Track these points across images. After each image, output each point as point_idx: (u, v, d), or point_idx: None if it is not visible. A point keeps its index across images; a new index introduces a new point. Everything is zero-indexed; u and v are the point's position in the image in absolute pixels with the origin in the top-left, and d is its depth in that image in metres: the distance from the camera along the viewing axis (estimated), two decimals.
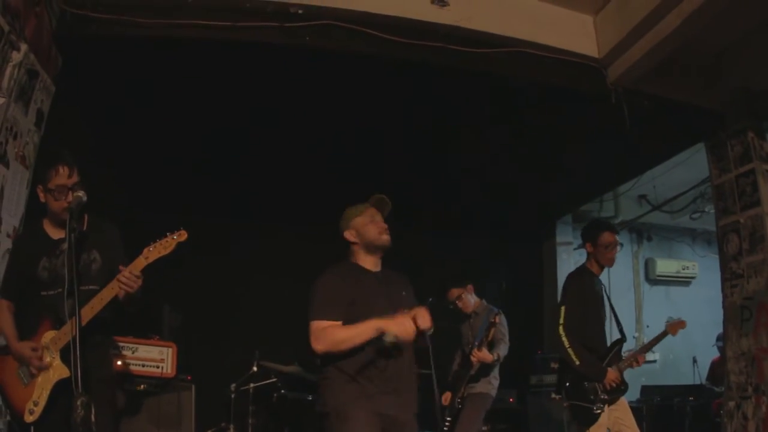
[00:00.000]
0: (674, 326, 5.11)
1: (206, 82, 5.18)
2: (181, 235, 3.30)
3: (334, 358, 3.41)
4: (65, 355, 3.22)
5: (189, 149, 6.43)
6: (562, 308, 4.95)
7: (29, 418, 3.29)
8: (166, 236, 3.31)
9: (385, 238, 3.66)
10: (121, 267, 3.29)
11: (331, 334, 3.35)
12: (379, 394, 3.39)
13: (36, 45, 3.89)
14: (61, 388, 3.25)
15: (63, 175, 3.39)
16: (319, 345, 3.35)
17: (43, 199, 3.39)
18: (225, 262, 7.64)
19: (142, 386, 5.52)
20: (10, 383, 3.40)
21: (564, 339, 4.85)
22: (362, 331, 3.29)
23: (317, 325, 3.39)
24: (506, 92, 5.44)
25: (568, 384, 4.95)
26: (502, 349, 5.92)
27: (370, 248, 3.67)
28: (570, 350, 4.81)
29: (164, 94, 5.33)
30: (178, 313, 7.12)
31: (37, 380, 3.34)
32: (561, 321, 4.88)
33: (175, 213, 6.86)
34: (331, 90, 5.35)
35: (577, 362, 4.81)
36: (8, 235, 3.81)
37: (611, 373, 4.85)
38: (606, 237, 5.00)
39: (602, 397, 4.86)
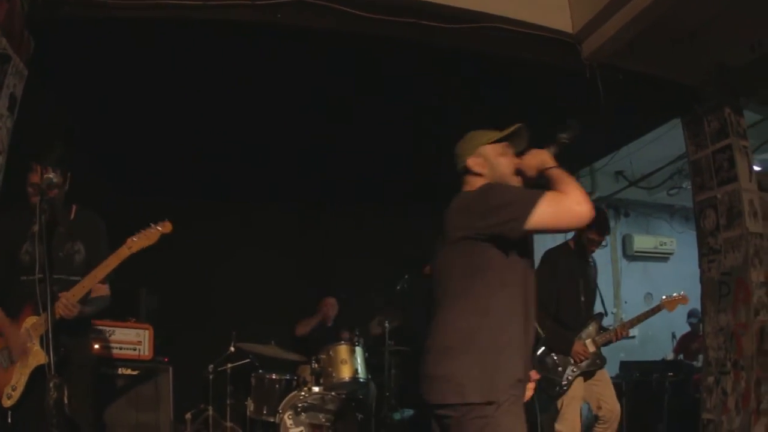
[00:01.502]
0: (673, 302, 5.16)
1: (180, 62, 5.11)
2: (165, 227, 3.41)
3: None
4: (41, 340, 3.28)
5: (164, 130, 6.36)
6: None
7: (7, 403, 3.34)
8: (150, 226, 3.35)
9: (518, 179, 2.88)
10: (61, 294, 3.33)
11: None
12: None
13: (7, 29, 3.81)
14: (39, 374, 3.26)
15: (36, 174, 3.49)
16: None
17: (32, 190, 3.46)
18: (200, 243, 7.58)
19: (123, 370, 5.56)
20: None
21: None
22: None
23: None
24: (479, 68, 5.36)
25: (535, 356, 5.01)
26: None
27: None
28: (535, 322, 4.86)
29: (139, 75, 5.25)
30: (154, 296, 7.08)
31: (16, 365, 3.38)
32: None
33: (149, 195, 6.82)
34: (303, 67, 5.27)
35: (542, 334, 4.88)
36: None
37: (578, 345, 4.94)
38: (591, 234, 5.11)
39: (572, 369, 4.91)
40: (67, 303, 3.31)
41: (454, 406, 2.53)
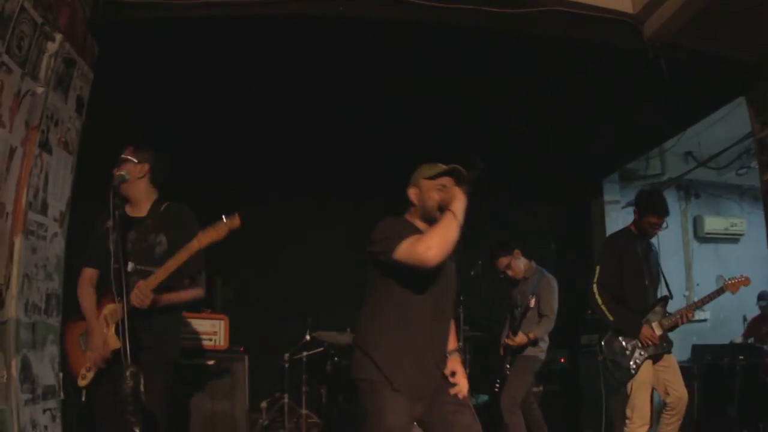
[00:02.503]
0: (735, 284, 5.07)
1: (241, 58, 5.25)
2: (234, 222, 3.44)
3: None
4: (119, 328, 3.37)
5: (230, 125, 6.55)
6: (597, 267, 5.10)
7: (81, 382, 3.56)
8: (219, 221, 3.44)
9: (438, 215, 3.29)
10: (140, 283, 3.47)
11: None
12: None
13: (71, 34, 4.00)
14: (111, 359, 3.43)
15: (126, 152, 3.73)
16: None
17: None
18: (274, 233, 7.72)
19: (199, 361, 5.66)
20: (71, 348, 3.69)
21: (597, 296, 4.97)
22: None
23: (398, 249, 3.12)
24: (544, 53, 5.38)
25: (602, 341, 5.01)
26: (544, 328, 5.99)
27: (424, 218, 3.39)
28: (603, 307, 4.92)
29: (201, 72, 5.43)
30: (230, 287, 7.27)
31: None
32: (595, 279, 5.01)
33: (223, 188, 6.98)
34: (363, 58, 5.38)
35: (611, 318, 4.92)
36: (55, 220, 3.95)
37: (646, 329, 4.92)
38: (651, 218, 5.08)
39: (640, 353, 4.90)
40: (139, 293, 3.41)
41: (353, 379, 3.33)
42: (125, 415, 2.82)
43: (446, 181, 3.36)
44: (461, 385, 3.37)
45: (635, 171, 9.51)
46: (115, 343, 3.38)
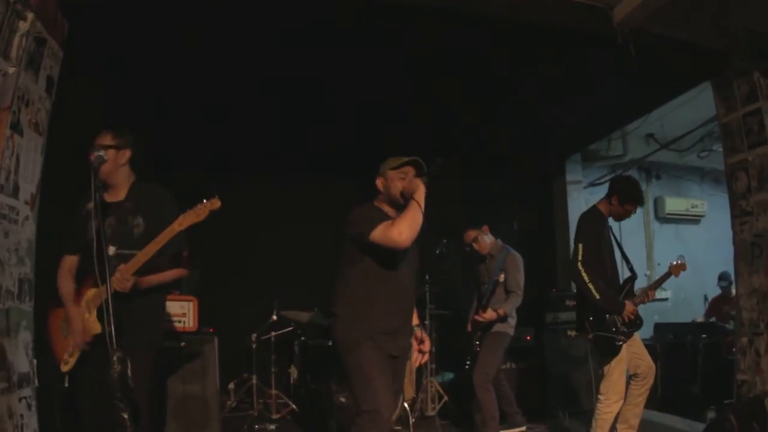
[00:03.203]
0: (676, 268, 5.40)
1: (215, 37, 5.20)
2: (214, 204, 3.48)
3: None
4: (101, 313, 3.40)
5: (199, 105, 6.49)
6: (580, 245, 5.17)
7: (64, 368, 3.62)
8: (199, 204, 3.45)
9: (401, 201, 3.88)
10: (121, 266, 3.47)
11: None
12: None
13: (42, 13, 3.89)
14: (92, 344, 3.48)
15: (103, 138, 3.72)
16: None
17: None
18: (240, 214, 7.67)
19: (169, 343, 5.52)
20: (54, 335, 3.74)
21: (584, 274, 5.07)
22: None
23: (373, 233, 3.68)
24: (511, 35, 5.41)
25: (591, 318, 5.14)
26: (511, 303, 6.09)
27: (390, 203, 3.99)
28: (590, 285, 5.02)
29: (171, 49, 5.35)
30: (196, 267, 7.21)
31: None
32: (580, 257, 5.10)
33: (187, 169, 6.92)
34: (333, 38, 5.39)
35: (598, 296, 5.02)
36: (26, 203, 3.85)
37: (629, 306, 5.08)
38: (630, 206, 5.31)
39: (622, 329, 5.03)
40: (120, 276, 3.42)
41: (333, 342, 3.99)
42: (112, 401, 2.79)
43: (408, 170, 3.93)
44: (425, 351, 4.17)
45: (597, 152, 9.66)
46: (95, 327, 3.39)
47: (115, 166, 3.76)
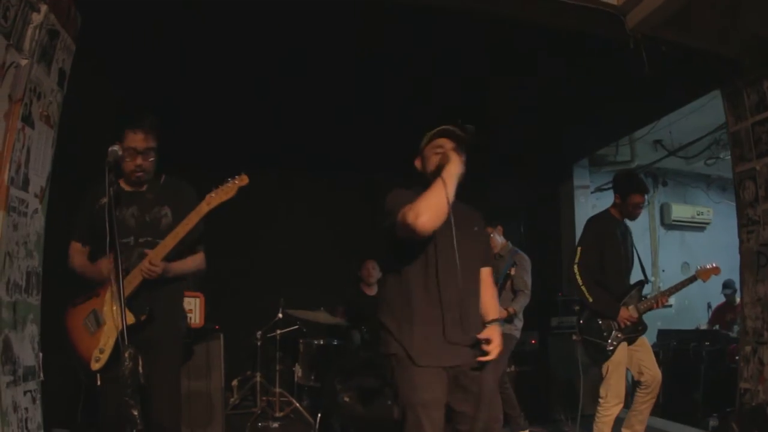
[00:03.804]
0: (706, 272, 5.21)
1: (229, 32, 5.20)
2: (243, 179, 3.58)
3: None
4: (130, 303, 3.34)
5: (209, 101, 6.47)
6: (579, 249, 5.21)
7: (95, 366, 3.48)
8: (227, 181, 3.53)
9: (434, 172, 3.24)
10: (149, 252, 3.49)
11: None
12: None
13: (55, 5, 3.90)
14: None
15: (135, 139, 3.60)
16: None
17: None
18: (247, 211, 7.68)
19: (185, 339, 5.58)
20: (77, 333, 3.59)
21: (578, 277, 5.07)
22: None
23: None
24: (524, 38, 5.43)
25: (581, 321, 5.14)
26: (520, 302, 6.07)
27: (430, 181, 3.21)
28: (583, 287, 5.03)
29: (184, 46, 5.37)
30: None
31: (103, 329, 3.52)
32: (576, 260, 5.12)
33: (194, 164, 6.92)
34: (335, 36, 5.38)
35: (590, 299, 5.04)
36: (35, 195, 3.86)
37: (624, 311, 5.05)
38: (636, 198, 5.22)
39: (617, 335, 5.01)
40: (149, 263, 3.43)
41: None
42: (123, 398, 2.79)
43: (443, 142, 3.35)
44: (491, 351, 3.27)
45: (605, 157, 9.66)
46: (128, 318, 3.28)
47: (151, 165, 3.75)
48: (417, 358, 3.15)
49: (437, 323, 3.20)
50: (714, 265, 5.27)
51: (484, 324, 3.40)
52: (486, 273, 3.63)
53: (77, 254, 3.76)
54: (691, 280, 5.24)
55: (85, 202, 3.73)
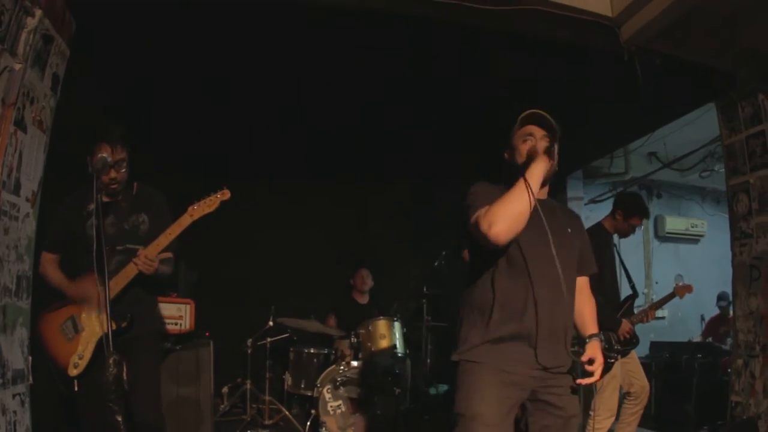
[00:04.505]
0: (682, 289, 5.38)
1: (222, 39, 5.19)
2: (225, 194, 3.63)
3: None
4: (111, 310, 3.25)
5: (200, 109, 6.45)
6: None
7: (73, 372, 3.52)
8: (210, 195, 3.54)
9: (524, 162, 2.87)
10: (140, 250, 3.55)
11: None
12: None
13: (50, 10, 3.90)
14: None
15: (105, 153, 3.53)
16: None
17: (90, 170, 3.45)
18: (238, 218, 7.68)
19: (165, 345, 5.52)
20: (53, 339, 3.63)
21: None
22: None
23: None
24: (518, 49, 5.43)
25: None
26: None
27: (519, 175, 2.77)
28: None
29: (176, 53, 5.34)
30: (194, 270, 7.20)
31: (81, 335, 3.58)
32: None
33: (187, 172, 6.93)
34: (330, 47, 5.41)
35: None
36: (27, 200, 3.85)
37: (626, 324, 5.06)
38: (637, 220, 5.33)
39: (616, 347, 5.02)
40: (145, 259, 3.49)
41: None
42: (107, 404, 2.78)
43: (533, 129, 2.98)
44: (594, 374, 2.92)
45: (599, 169, 9.66)
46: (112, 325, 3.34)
47: (124, 176, 3.80)
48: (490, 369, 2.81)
49: (528, 342, 2.82)
50: (687, 283, 5.49)
51: (583, 339, 3.08)
52: (583, 283, 3.27)
53: (50, 264, 3.82)
54: (671, 296, 5.41)
55: (61, 212, 3.81)
